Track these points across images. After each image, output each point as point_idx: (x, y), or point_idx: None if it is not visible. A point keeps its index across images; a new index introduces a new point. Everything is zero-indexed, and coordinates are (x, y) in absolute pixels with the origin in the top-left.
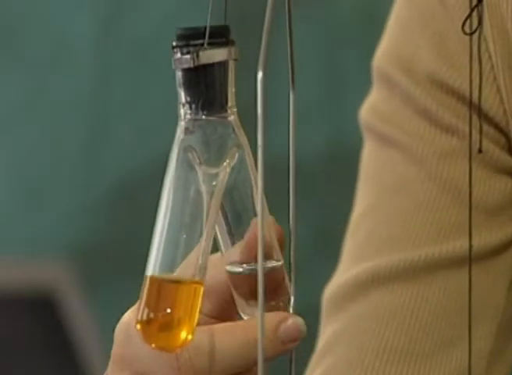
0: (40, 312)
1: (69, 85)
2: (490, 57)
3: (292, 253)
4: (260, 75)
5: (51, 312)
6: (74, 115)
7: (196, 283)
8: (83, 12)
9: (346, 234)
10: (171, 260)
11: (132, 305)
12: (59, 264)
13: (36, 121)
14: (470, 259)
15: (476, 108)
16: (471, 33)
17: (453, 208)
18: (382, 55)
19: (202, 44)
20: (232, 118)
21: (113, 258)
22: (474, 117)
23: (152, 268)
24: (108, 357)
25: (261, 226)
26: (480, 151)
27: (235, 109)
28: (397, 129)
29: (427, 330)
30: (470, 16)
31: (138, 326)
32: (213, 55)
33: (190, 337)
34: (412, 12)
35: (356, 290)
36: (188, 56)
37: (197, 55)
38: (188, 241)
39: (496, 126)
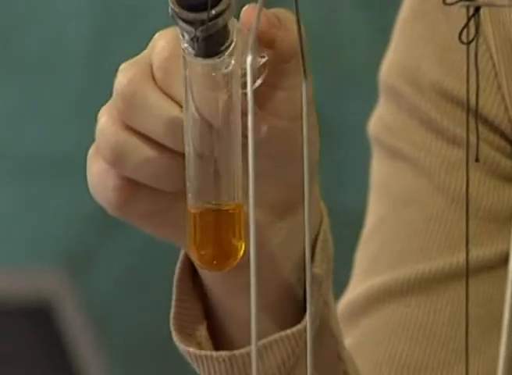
0: (37, 321)
1: (65, 88)
2: (494, 65)
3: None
4: (249, 58)
5: (48, 321)
6: (68, 119)
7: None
8: (79, 17)
9: (358, 248)
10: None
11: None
12: (56, 273)
13: (33, 125)
14: (467, 269)
15: (479, 118)
16: (469, 43)
17: (463, 220)
18: (387, 68)
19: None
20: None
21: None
22: (477, 126)
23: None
24: (104, 366)
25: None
26: (477, 160)
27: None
28: (405, 141)
29: (441, 342)
30: (467, 25)
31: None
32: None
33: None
34: (416, 24)
35: (368, 304)
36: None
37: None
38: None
39: (502, 135)
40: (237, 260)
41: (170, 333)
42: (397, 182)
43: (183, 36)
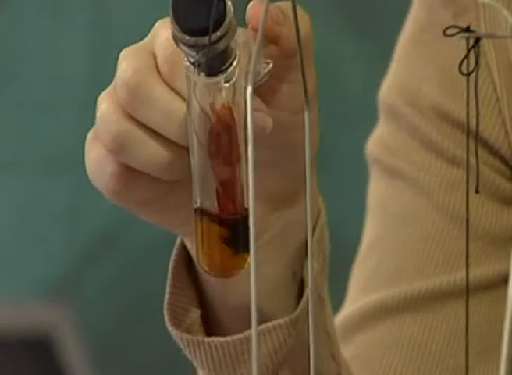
0: (37, 354)
1: (64, 125)
2: (495, 90)
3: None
4: (249, 89)
5: (48, 353)
6: (68, 157)
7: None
8: (77, 54)
9: (354, 265)
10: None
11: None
12: (56, 306)
13: (32, 162)
14: (467, 287)
15: (479, 141)
16: (469, 74)
17: (461, 239)
18: (387, 89)
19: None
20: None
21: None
22: (477, 154)
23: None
24: None
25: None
26: (477, 191)
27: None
28: (404, 161)
29: (436, 360)
30: (467, 56)
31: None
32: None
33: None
34: (417, 46)
35: (364, 320)
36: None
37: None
38: None
39: (502, 159)
40: (243, 269)
41: (171, 359)
42: (396, 201)
43: (185, 56)
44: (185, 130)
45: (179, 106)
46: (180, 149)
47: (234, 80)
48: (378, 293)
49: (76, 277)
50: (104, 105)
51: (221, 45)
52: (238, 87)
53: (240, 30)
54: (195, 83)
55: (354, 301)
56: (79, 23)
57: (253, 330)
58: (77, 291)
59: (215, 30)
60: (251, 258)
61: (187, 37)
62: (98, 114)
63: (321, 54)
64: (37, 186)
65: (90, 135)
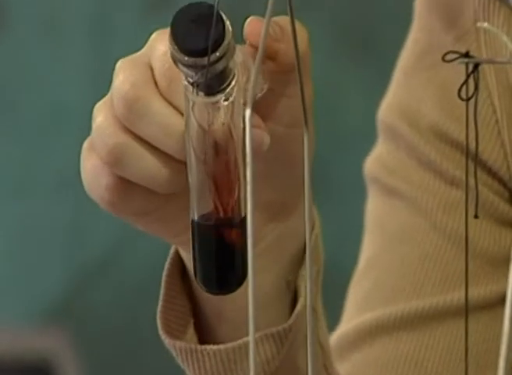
0: None
1: (65, 150)
2: (495, 111)
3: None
4: (248, 112)
5: None
6: (68, 183)
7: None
8: (78, 81)
9: (351, 284)
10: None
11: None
12: (55, 332)
13: (32, 187)
14: (466, 306)
15: (478, 163)
16: (468, 99)
17: (459, 259)
18: (387, 108)
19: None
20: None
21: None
22: (476, 179)
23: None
24: None
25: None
26: (476, 216)
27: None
28: (402, 180)
29: None
30: (466, 81)
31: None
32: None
33: None
34: (417, 66)
35: (360, 338)
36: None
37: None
38: None
39: (500, 181)
40: (240, 286)
41: None
42: (393, 220)
43: (184, 76)
44: (183, 144)
45: (177, 121)
46: (177, 163)
47: (233, 98)
48: (374, 311)
49: (75, 302)
50: (101, 117)
51: (220, 66)
52: (236, 106)
53: (238, 48)
54: (194, 102)
55: (350, 320)
56: (79, 49)
57: (250, 339)
58: (76, 316)
59: (213, 51)
60: (249, 267)
61: (186, 58)
62: (95, 125)
63: (321, 84)
64: (37, 210)
65: (85, 145)
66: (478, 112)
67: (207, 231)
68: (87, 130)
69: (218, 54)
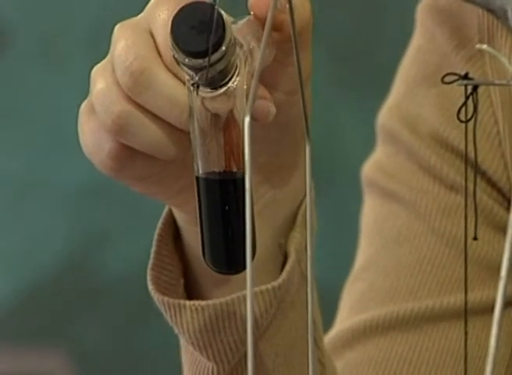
0: None
1: (69, 168)
2: (496, 122)
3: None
4: (247, 120)
5: None
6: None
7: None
8: (79, 100)
9: (346, 286)
10: None
11: None
12: (56, 354)
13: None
14: (465, 309)
15: (479, 173)
16: (467, 121)
17: (456, 264)
18: (387, 113)
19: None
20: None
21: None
22: (477, 179)
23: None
24: None
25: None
26: (475, 238)
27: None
28: (401, 184)
29: None
30: (465, 104)
31: None
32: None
33: None
34: (418, 72)
35: (354, 338)
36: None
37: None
38: None
39: (500, 191)
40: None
41: None
42: (391, 223)
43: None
44: (187, 115)
45: (182, 92)
46: (180, 132)
47: (236, 84)
48: (369, 312)
49: (72, 324)
50: (102, 83)
51: (220, 66)
52: (239, 93)
53: (241, 22)
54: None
55: (345, 321)
56: (78, 68)
57: (249, 326)
58: (73, 338)
59: (214, 51)
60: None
61: (187, 59)
62: (96, 91)
63: (320, 117)
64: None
65: (83, 108)
66: (479, 123)
67: (214, 186)
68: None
69: (218, 55)
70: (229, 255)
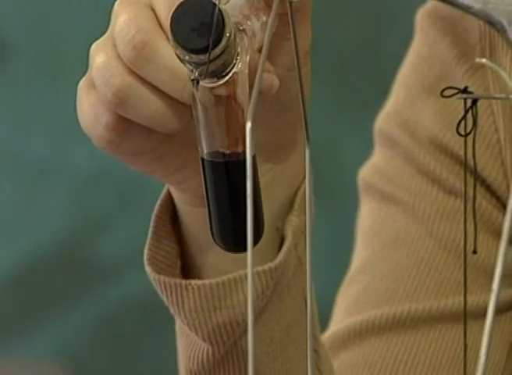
0: None
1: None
2: (497, 130)
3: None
4: (248, 125)
5: None
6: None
7: None
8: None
9: (342, 288)
10: None
11: None
12: (57, 367)
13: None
14: (465, 312)
15: (478, 180)
16: (466, 135)
17: (453, 267)
18: (385, 117)
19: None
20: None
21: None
22: (476, 186)
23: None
24: None
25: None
26: (475, 252)
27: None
28: (399, 187)
29: None
30: (464, 117)
31: None
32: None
33: None
34: (418, 81)
35: (349, 338)
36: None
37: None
38: None
39: (499, 199)
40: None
41: None
42: (388, 226)
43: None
44: (189, 88)
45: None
46: (181, 104)
47: (238, 68)
48: (365, 313)
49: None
50: (103, 57)
51: (220, 60)
52: (241, 77)
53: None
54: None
55: (340, 322)
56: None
57: (249, 318)
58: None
59: (215, 46)
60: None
61: (187, 55)
62: (96, 65)
63: (317, 140)
64: None
65: (82, 84)
66: (479, 131)
67: (219, 168)
68: (86, 184)
69: (218, 51)
70: (237, 233)
